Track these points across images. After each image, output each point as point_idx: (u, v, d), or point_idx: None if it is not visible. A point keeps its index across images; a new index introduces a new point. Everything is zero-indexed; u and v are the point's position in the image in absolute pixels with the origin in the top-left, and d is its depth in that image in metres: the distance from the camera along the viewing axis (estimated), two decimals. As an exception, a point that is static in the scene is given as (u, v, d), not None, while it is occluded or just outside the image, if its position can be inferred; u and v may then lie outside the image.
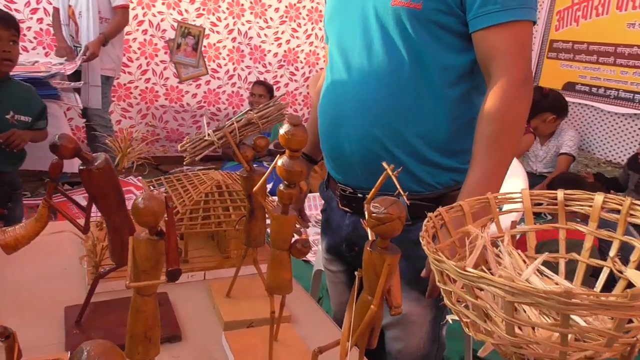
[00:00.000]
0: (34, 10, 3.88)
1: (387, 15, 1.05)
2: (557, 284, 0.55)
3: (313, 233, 3.18)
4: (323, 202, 1.37)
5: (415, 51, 1.04)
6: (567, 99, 4.32)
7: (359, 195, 1.16)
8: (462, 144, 1.08)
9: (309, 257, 2.73)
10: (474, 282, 0.40)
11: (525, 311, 0.50)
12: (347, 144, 1.13)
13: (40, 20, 3.90)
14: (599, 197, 0.58)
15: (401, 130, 1.08)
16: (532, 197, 0.61)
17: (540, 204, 0.61)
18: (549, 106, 3.44)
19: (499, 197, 0.61)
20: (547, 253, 0.58)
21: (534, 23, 1.03)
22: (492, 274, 0.52)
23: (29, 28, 3.87)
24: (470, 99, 1.09)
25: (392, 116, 1.07)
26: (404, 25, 1.03)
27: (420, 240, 0.51)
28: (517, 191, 0.61)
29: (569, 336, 0.40)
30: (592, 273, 0.70)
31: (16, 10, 3.78)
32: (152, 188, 1.35)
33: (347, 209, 1.21)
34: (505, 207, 0.66)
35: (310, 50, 5.10)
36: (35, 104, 2.27)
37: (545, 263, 0.57)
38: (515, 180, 2.09)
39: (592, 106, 4.17)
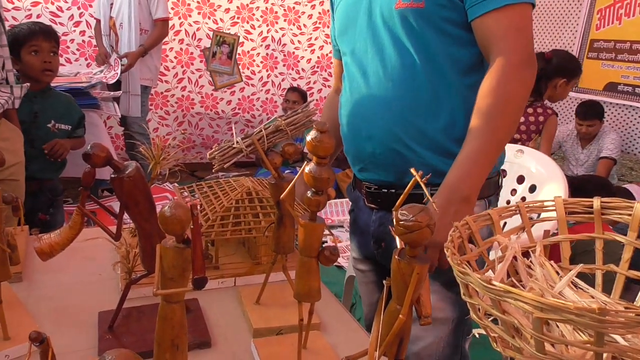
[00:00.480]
0: (77, 24, 4.02)
1: (393, 18, 1.08)
2: (593, 297, 0.52)
3: (345, 239, 3.16)
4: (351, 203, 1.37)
5: (425, 48, 1.07)
6: (609, 100, 4.17)
7: (384, 190, 1.19)
8: None
9: (342, 262, 2.72)
10: (500, 296, 0.38)
11: (558, 326, 0.48)
12: (370, 146, 1.16)
13: (82, 33, 4.03)
14: (639, 205, 0.54)
15: (421, 125, 1.10)
16: (566, 206, 0.58)
17: (576, 213, 0.58)
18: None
19: (531, 205, 0.59)
20: (582, 265, 0.55)
21: (533, 5, 1.03)
22: (522, 286, 0.50)
23: (72, 40, 4.01)
24: None
25: (410, 113, 1.10)
26: (411, 25, 1.06)
27: (445, 251, 0.49)
28: (550, 199, 0.58)
29: (605, 355, 0.38)
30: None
31: (60, 23, 3.93)
32: (184, 194, 1.36)
33: (373, 206, 1.23)
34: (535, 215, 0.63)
35: (343, 56, 5.10)
36: (75, 112, 2.35)
37: (580, 273, 0.54)
38: (554, 186, 2.03)
39: (637, 107, 4.01)
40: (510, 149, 2.20)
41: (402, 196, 0.71)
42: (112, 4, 3.54)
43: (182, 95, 4.57)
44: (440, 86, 1.08)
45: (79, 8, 3.99)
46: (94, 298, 1.08)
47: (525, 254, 0.58)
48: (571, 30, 4.55)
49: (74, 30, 4.01)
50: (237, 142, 0.96)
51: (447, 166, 1.10)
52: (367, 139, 1.16)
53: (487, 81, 1.02)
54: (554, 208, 0.58)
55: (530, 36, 1.03)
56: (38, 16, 3.84)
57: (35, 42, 2.14)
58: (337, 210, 3.64)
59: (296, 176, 0.88)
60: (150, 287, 1.07)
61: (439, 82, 1.08)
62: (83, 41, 4.04)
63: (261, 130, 0.97)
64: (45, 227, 2.15)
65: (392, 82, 1.10)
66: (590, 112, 3.66)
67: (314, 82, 5.05)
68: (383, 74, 1.12)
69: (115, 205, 3.22)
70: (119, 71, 3.31)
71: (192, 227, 0.68)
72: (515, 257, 0.53)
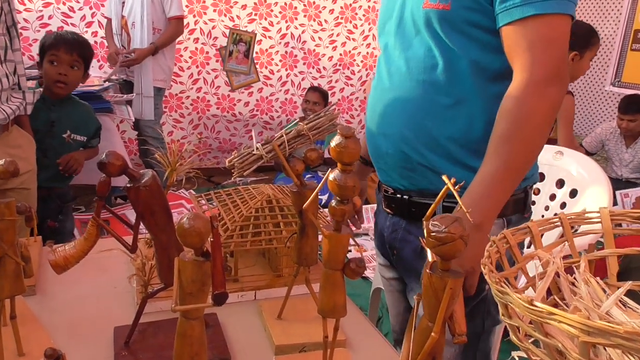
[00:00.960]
0: (89, 24, 4.10)
1: (420, 18, 1.09)
2: (643, 317, 0.51)
3: (370, 247, 3.15)
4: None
5: (448, 51, 1.07)
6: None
7: (398, 196, 1.21)
8: None
9: (367, 273, 2.71)
10: (543, 318, 0.37)
11: (605, 349, 0.47)
12: (384, 145, 1.18)
13: (94, 34, 4.11)
14: (693, 216, 0.53)
15: (433, 130, 1.10)
16: (612, 217, 0.57)
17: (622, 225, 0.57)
18: None
19: (574, 217, 0.58)
20: (631, 282, 0.54)
21: (572, 18, 0.99)
22: (566, 305, 0.49)
23: (84, 41, 4.09)
24: None
25: (424, 116, 1.11)
26: (435, 27, 1.06)
27: (482, 268, 0.49)
28: (594, 210, 0.57)
29: (658, 382, 0.37)
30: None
31: (72, 24, 4.01)
32: (202, 202, 1.38)
33: (388, 210, 1.25)
34: (583, 227, 0.62)
35: (367, 53, 5.09)
36: (92, 123, 2.41)
37: (629, 291, 0.53)
38: (597, 189, 1.99)
39: (686, 102, 3.91)
40: (549, 150, 2.17)
41: (433, 205, 0.70)
42: (124, 2, 3.60)
43: (198, 97, 4.62)
44: (462, 92, 1.08)
45: (90, 8, 4.07)
46: (109, 312, 1.09)
47: (568, 270, 0.57)
48: (613, 21, 4.47)
49: (86, 31, 4.09)
50: (257, 148, 0.97)
51: (458, 176, 1.07)
52: (382, 137, 1.18)
53: (507, 99, 1.00)
54: (599, 220, 0.57)
55: (562, 50, 0.99)
56: (49, 17, 3.93)
57: (55, 51, 2.19)
58: (362, 217, 3.63)
59: (320, 184, 0.89)
60: (167, 300, 1.08)
61: (461, 87, 1.07)
62: (95, 42, 4.12)
63: (282, 136, 0.98)
64: (54, 234, 2.20)
65: (411, 82, 1.12)
66: (632, 106, 3.58)
67: (336, 81, 5.06)
68: (405, 73, 1.13)
69: (129, 214, 3.26)
70: (118, 64, 3.38)
71: (211, 239, 0.69)
72: (557, 274, 0.52)
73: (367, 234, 3.43)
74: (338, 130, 0.82)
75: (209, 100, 4.66)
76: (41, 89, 1.92)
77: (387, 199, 1.25)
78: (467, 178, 1.08)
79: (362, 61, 5.11)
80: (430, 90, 1.10)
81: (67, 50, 2.20)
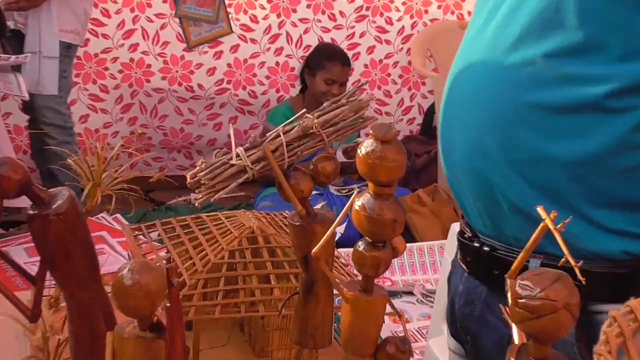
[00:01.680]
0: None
1: None
2: None
3: (417, 316, 3.15)
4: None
5: (592, 22, 1.03)
6: None
7: (476, 244, 1.19)
8: None
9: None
10: None
11: None
12: (457, 149, 1.18)
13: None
14: None
15: (535, 145, 1.07)
16: None
17: None
18: None
19: None
20: None
21: None
22: None
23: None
24: None
25: (520, 120, 1.08)
26: None
27: (595, 358, 0.52)
28: None
29: None
30: None
31: None
32: (140, 239, 1.40)
33: (463, 266, 1.26)
34: None
35: (412, -10, 5.12)
36: None
37: None
38: None
39: None
40: None
41: (522, 253, 0.73)
42: None
43: (132, 59, 4.63)
44: (593, 94, 1.03)
45: None
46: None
47: None
48: None
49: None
50: (238, 154, 0.99)
51: (576, 235, 1.04)
52: (456, 137, 1.18)
53: None
54: None
55: None
56: None
57: None
58: (402, 264, 3.60)
59: (339, 216, 0.91)
60: (85, 400, 1.12)
61: (595, 83, 1.03)
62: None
63: (279, 135, 1.00)
64: None
65: (514, 50, 1.08)
66: None
67: (361, 35, 5.06)
68: (506, 34, 1.10)
69: (14, 251, 3.28)
70: None
71: (168, 304, 0.72)
72: None
73: (410, 292, 3.42)
74: (370, 130, 0.84)
75: (149, 65, 4.68)
76: None
77: (462, 246, 1.24)
78: (592, 237, 1.06)
79: (403, 3, 5.12)
80: (538, 78, 1.06)
81: None
